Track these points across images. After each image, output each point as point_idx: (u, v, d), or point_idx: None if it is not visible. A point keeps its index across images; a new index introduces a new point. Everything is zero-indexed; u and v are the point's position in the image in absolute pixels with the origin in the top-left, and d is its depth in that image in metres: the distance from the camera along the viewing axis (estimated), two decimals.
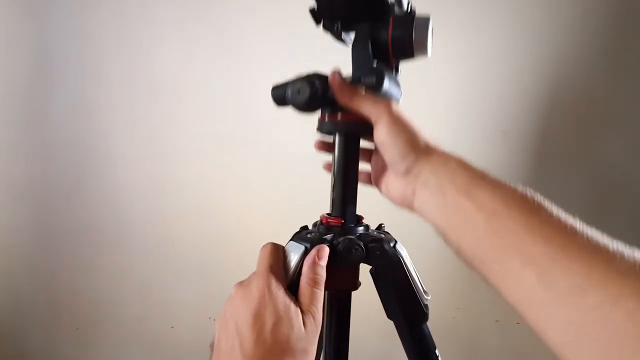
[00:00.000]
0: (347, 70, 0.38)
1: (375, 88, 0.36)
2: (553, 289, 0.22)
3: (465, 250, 0.29)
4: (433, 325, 0.40)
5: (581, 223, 0.24)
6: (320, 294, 0.34)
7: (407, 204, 0.35)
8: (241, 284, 0.34)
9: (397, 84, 0.40)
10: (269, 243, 0.38)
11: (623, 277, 0.20)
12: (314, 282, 0.34)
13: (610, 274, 0.21)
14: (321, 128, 0.40)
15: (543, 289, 0.23)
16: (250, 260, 0.38)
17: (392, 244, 0.39)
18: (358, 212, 0.41)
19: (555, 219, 0.25)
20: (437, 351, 0.39)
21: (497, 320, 1.24)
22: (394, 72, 0.39)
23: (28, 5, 1.01)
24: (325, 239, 0.37)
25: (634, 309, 0.19)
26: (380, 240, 0.38)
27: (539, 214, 0.25)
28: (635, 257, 0.21)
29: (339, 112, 0.38)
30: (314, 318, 0.32)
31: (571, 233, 0.23)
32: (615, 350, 0.20)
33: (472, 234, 0.28)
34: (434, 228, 0.32)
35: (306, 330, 0.32)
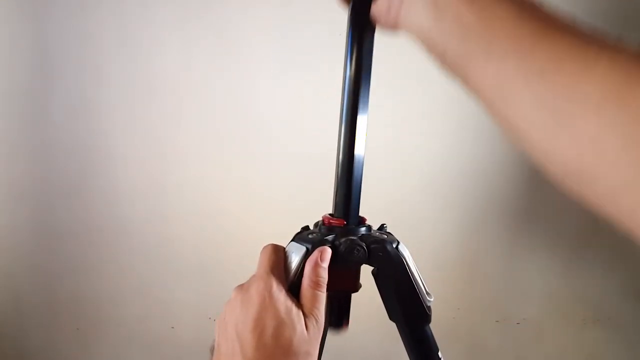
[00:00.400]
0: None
1: None
2: (527, 70, 0.23)
3: (450, 55, 0.28)
4: (433, 325, 0.40)
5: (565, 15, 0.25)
6: (323, 296, 0.34)
7: (392, 19, 0.33)
8: (241, 287, 0.34)
9: None
10: (269, 244, 0.37)
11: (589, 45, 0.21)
12: (316, 285, 0.34)
13: (580, 49, 0.21)
14: None
15: (522, 75, 0.23)
16: (251, 261, 0.38)
17: (394, 245, 0.38)
18: (360, 213, 0.41)
19: (545, 7, 0.25)
20: (439, 353, 0.39)
21: (497, 321, 1.24)
22: None
23: (28, 6, 1.00)
24: (326, 239, 0.37)
25: (603, 72, 0.20)
26: (382, 241, 0.38)
27: (529, 2, 0.26)
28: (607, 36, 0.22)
29: None
30: (316, 321, 0.32)
31: (555, 19, 0.24)
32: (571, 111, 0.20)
33: (459, 33, 0.27)
34: (419, 39, 0.31)
35: (308, 333, 0.31)
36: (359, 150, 0.39)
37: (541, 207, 1.17)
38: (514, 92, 0.24)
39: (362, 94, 0.38)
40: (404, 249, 0.39)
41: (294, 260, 0.36)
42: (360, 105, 0.38)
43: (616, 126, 0.19)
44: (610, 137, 0.19)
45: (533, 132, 0.23)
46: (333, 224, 0.39)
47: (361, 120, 0.38)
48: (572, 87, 0.20)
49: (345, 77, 0.38)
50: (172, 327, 1.17)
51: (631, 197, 0.19)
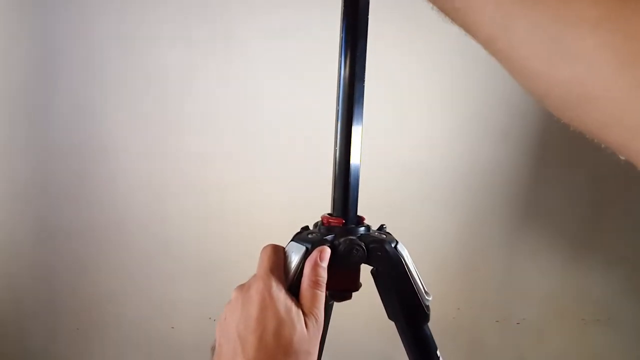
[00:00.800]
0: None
1: None
2: None
3: None
4: (433, 325, 0.40)
5: None
6: (322, 295, 0.34)
7: None
8: (241, 287, 0.34)
9: None
10: (269, 244, 0.38)
11: None
12: (316, 284, 0.34)
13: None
14: None
15: (518, 3, 0.22)
16: (251, 260, 0.38)
17: (393, 245, 0.39)
18: (359, 213, 0.41)
19: None
20: (438, 352, 0.39)
21: (497, 321, 1.24)
22: None
23: (28, 5, 1.01)
24: (326, 239, 0.37)
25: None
26: (381, 241, 0.38)
27: None
28: None
29: None
30: (316, 320, 0.33)
31: None
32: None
33: None
34: None
35: (308, 332, 0.32)
36: (355, 147, 0.39)
37: (541, 207, 1.17)
38: (512, 22, 0.23)
39: (357, 93, 0.39)
40: (402, 249, 0.39)
41: (294, 260, 0.36)
42: (356, 104, 0.39)
43: (612, 46, 0.18)
44: (606, 58, 0.19)
45: (533, 62, 0.23)
46: (332, 224, 0.39)
47: (357, 117, 0.39)
48: (567, 9, 0.20)
49: (340, 78, 0.39)
50: (172, 327, 1.17)
51: (629, 120, 0.19)
